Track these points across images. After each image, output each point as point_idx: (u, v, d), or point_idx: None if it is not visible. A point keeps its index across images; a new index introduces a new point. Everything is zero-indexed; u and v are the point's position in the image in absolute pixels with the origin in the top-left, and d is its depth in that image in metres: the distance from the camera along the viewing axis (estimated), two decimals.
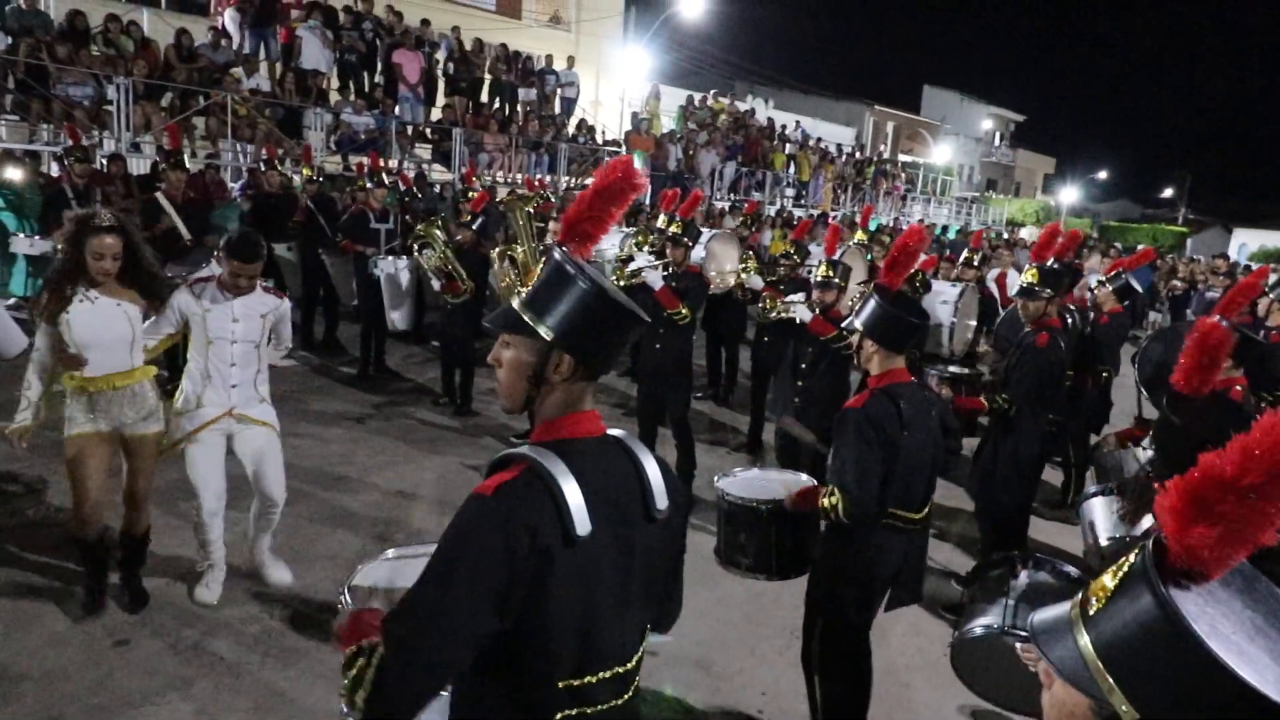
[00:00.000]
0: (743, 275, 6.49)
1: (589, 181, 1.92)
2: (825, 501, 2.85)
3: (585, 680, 1.47)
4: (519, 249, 4.80)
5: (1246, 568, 0.99)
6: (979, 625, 2.62)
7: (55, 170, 8.99)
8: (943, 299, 6.76)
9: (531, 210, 5.80)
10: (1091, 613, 0.97)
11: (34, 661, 3.36)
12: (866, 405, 2.83)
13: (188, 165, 8.15)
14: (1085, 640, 0.96)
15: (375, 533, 4.80)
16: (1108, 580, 0.98)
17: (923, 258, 7.86)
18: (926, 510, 3.03)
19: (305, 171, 8.79)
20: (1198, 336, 3.03)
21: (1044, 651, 1.01)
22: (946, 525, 5.59)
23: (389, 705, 1.35)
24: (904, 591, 3.06)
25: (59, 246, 3.77)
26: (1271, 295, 6.72)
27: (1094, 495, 3.65)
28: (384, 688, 1.35)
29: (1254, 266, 18.38)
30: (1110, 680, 0.92)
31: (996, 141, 41.80)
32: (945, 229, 23.20)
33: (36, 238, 7.34)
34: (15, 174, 8.08)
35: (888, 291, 2.95)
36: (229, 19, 12.93)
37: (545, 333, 1.45)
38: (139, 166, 10.13)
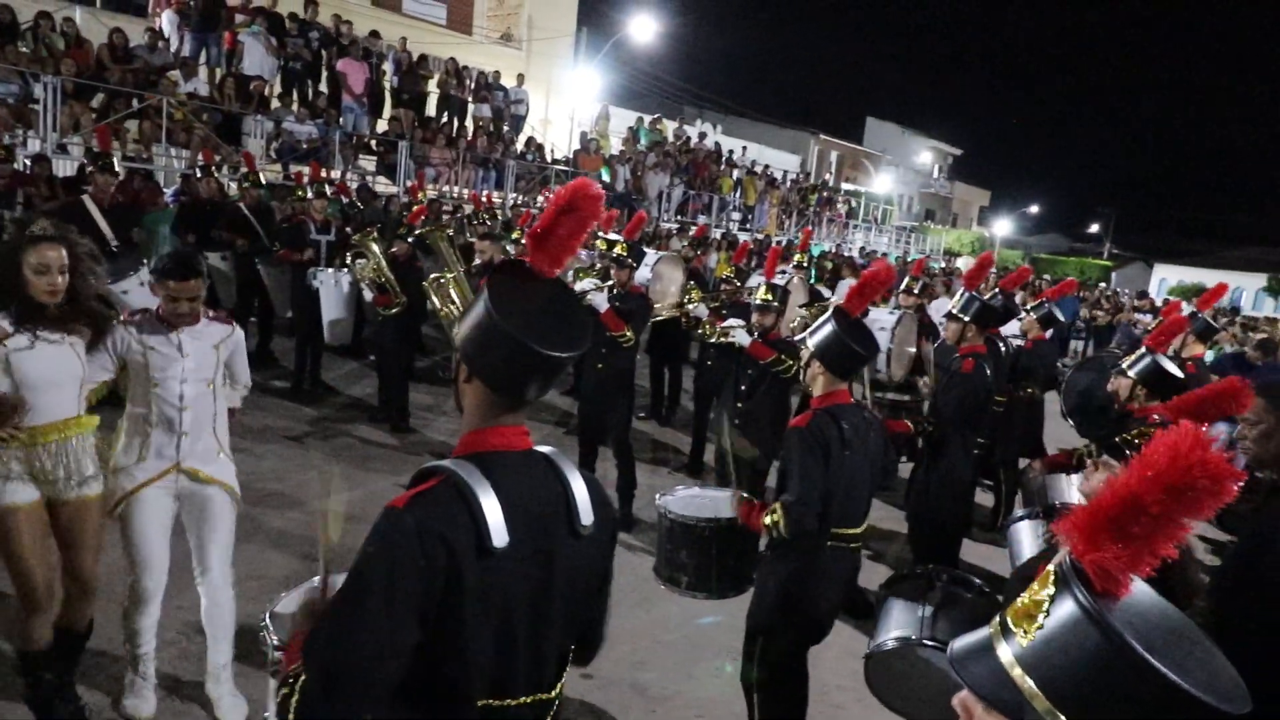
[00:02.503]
0: (688, 305, 6.49)
1: (541, 199, 1.91)
2: (767, 519, 2.86)
3: (505, 702, 1.44)
4: (448, 274, 4.73)
5: (1139, 582, 1.02)
6: (892, 638, 2.65)
7: None
8: (880, 325, 6.91)
9: (451, 234, 5.78)
10: (1014, 633, 0.99)
11: None
12: (810, 424, 2.87)
13: (118, 169, 7.85)
14: (1007, 654, 0.98)
15: (305, 553, 4.64)
16: (1026, 599, 1.00)
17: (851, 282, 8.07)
18: (863, 528, 3.09)
19: (250, 179, 8.54)
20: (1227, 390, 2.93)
21: (962, 675, 1.02)
22: (884, 547, 5.67)
23: None
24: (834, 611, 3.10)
25: None
26: (1188, 328, 7.05)
27: (1021, 519, 3.75)
28: (304, 712, 1.31)
29: (1171, 300, 19.24)
30: (1033, 686, 0.94)
31: (935, 173, 43.17)
32: (885, 257, 23.78)
33: None
34: None
35: (846, 317, 2.98)
36: (167, 21, 12.58)
37: (456, 342, 1.51)
38: (66, 169, 9.73)
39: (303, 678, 1.33)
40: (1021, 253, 39.06)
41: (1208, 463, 0.93)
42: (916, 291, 7.88)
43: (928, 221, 39.33)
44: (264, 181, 8.70)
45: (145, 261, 6.65)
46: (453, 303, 4.35)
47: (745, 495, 3.11)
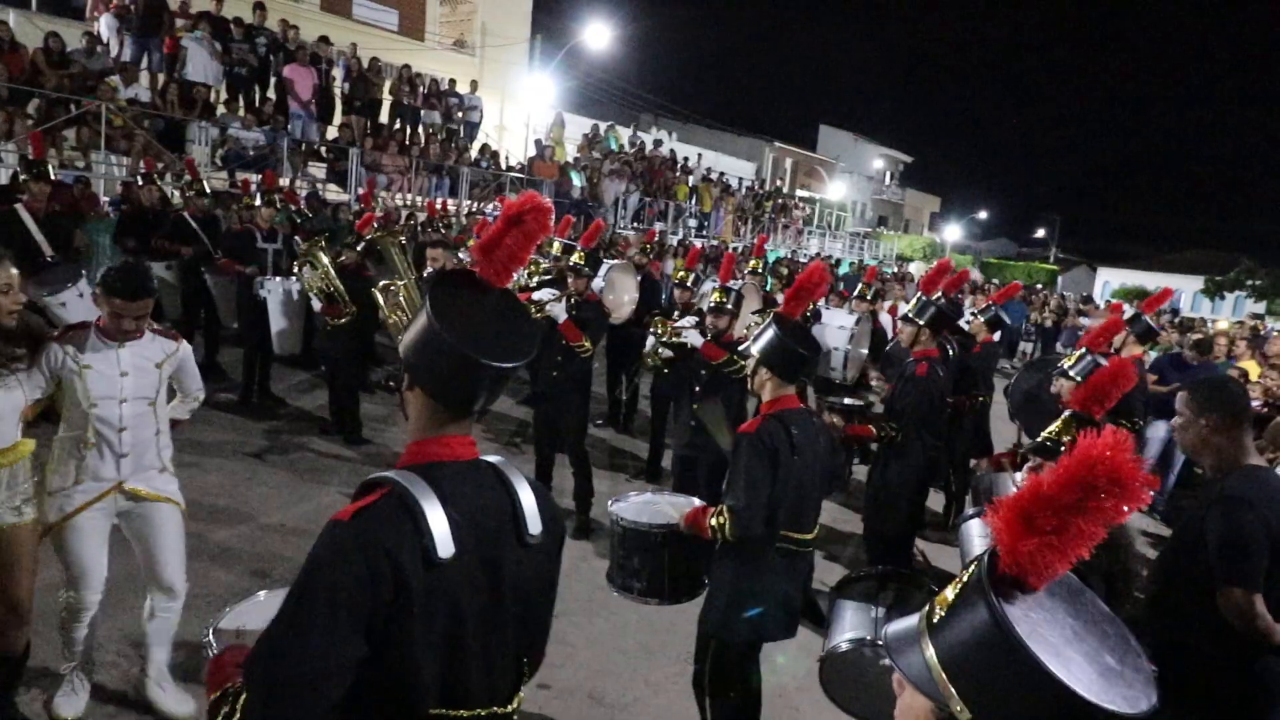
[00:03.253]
0: (684, 335, 6.20)
1: (491, 207, 1.90)
2: (713, 521, 2.90)
3: (458, 713, 1.43)
4: (399, 282, 4.66)
5: (1074, 581, 1.06)
6: (845, 639, 2.67)
7: None
8: (839, 325, 7.01)
9: (404, 241, 5.69)
10: (935, 622, 1.02)
11: None
12: (759, 430, 2.91)
13: (54, 176, 7.58)
14: (929, 649, 1.01)
15: (253, 568, 4.53)
16: (949, 592, 1.03)
17: None
18: (814, 532, 3.12)
19: (195, 186, 8.31)
20: (1110, 372, 3.10)
21: (895, 661, 1.06)
22: (839, 549, 5.73)
23: None
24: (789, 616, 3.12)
25: None
26: (1126, 329, 7.28)
27: (971, 517, 3.82)
28: None
29: (1113, 302, 19.85)
30: (948, 683, 0.97)
31: (887, 180, 44.00)
32: (839, 262, 24.16)
33: None
34: None
35: (786, 321, 3.04)
36: (106, 25, 12.21)
37: (401, 351, 1.50)
38: (0, 177, 9.39)
39: (243, 696, 1.29)
40: (972, 257, 39.99)
41: (1114, 463, 0.95)
42: (869, 297, 8.04)
43: (880, 227, 40.06)
44: (209, 189, 8.48)
45: (84, 272, 6.45)
46: (403, 311, 4.29)
47: (698, 503, 3.12)
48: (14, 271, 2.75)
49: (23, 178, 7.44)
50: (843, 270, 20.81)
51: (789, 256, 21.17)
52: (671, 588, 3.17)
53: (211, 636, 1.95)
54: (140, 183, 8.47)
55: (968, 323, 6.75)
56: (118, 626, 3.64)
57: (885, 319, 8.36)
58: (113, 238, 7.73)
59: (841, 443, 5.43)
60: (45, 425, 3.06)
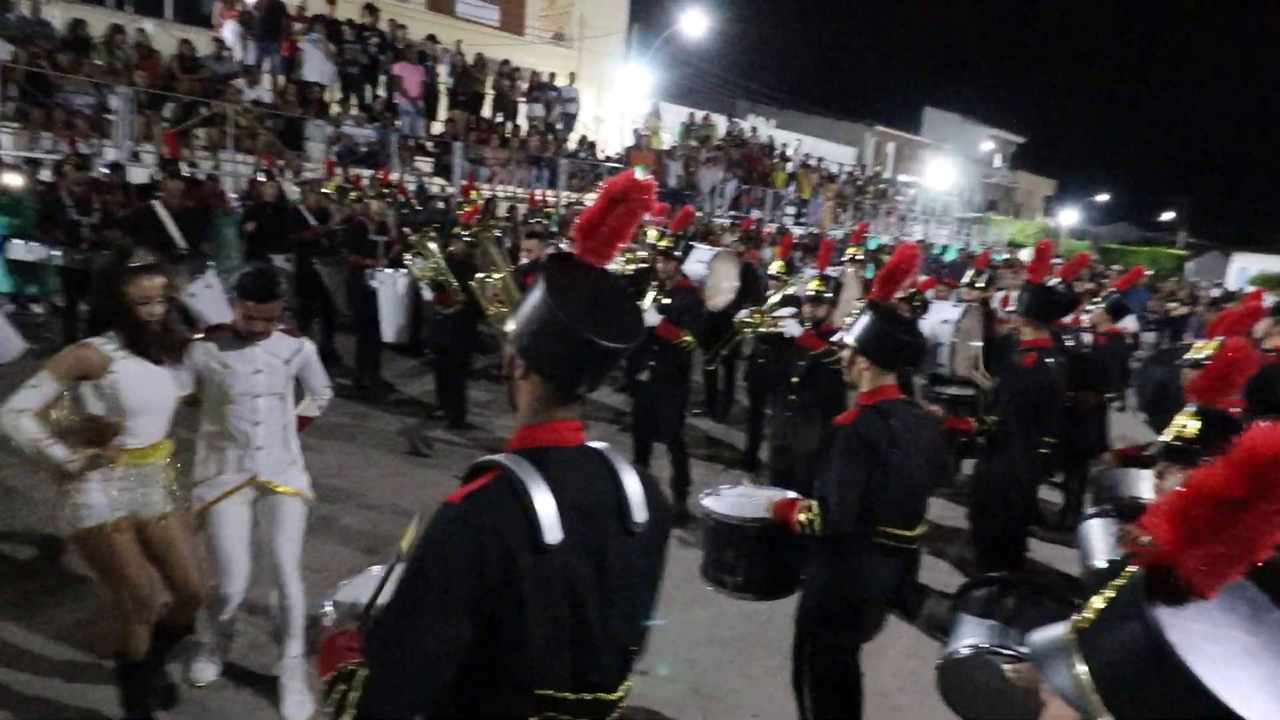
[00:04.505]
0: (780, 324, 5.96)
1: (589, 198, 1.90)
2: (802, 515, 2.81)
3: (564, 695, 1.44)
4: (496, 275, 4.76)
5: (1258, 596, 0.96)
6: (965, 645, 2.56)
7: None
8: (944, 318, 6.73)
9: (499, 234, 5.82)
10: (1084, 631, 0.96)
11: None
12: (856, 422, 2.81)
13: (186, 174, 8.14)
14: (1078, 660, 0.95)
15: (365, 546, 4.74)
16: (1099, 601, 0.96)
17: (921, 278, 7.86)
18: (919, 529, 2.99)
19: (331, 186, 8.77)
20: (1227, 355, 2.91)
21: (1041, 672, 1.00)
22: (944, 546, 5.53)
23: None
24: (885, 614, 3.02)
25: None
26: (1271, 317, 6.70)
27: (1092, 517, 3.61)
28: (369, 708, 1.32)
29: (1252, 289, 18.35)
30: (1099, 699, 0.91)
31: (997, 163, 42.00)
32: (945, 250, 23.24)
33: (34, 244, 7.33)
34: (14, 181, 8.08)
35: (880, 307, 2.93)
36: (230, 31, 12.98)
37: (510, 336, 1.48)
38: (140, 176, 10.14)
39: (359, 674, 1.34)
40: (1089, 243, 37.75)
41: None
42: (981, 284, 7.67)
43: (990, 213, 38.32)
44: (326, 186, 8.93)
45: (211, 264, 6.88)
46: (500, 302, 4.38)
47: (794, 497, 3.04)
48: (159, 282, 2.90)
49: (160, 176, 8.01)
50: (949, 257, 20.01)
51: (891, 244, 20.52)
52: (767, 584, 3.09)
53: (330, 608, 2.05)
54: (262, 179, 8.96)
55: (1087, 312, 6.36)
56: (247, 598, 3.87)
57: (998, 308, 7.97)
58: (238, 231, 8.21)
59: (943, 435, 5.23)
60: (181, 424, 3.22)
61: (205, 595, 3.22)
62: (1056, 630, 1.01)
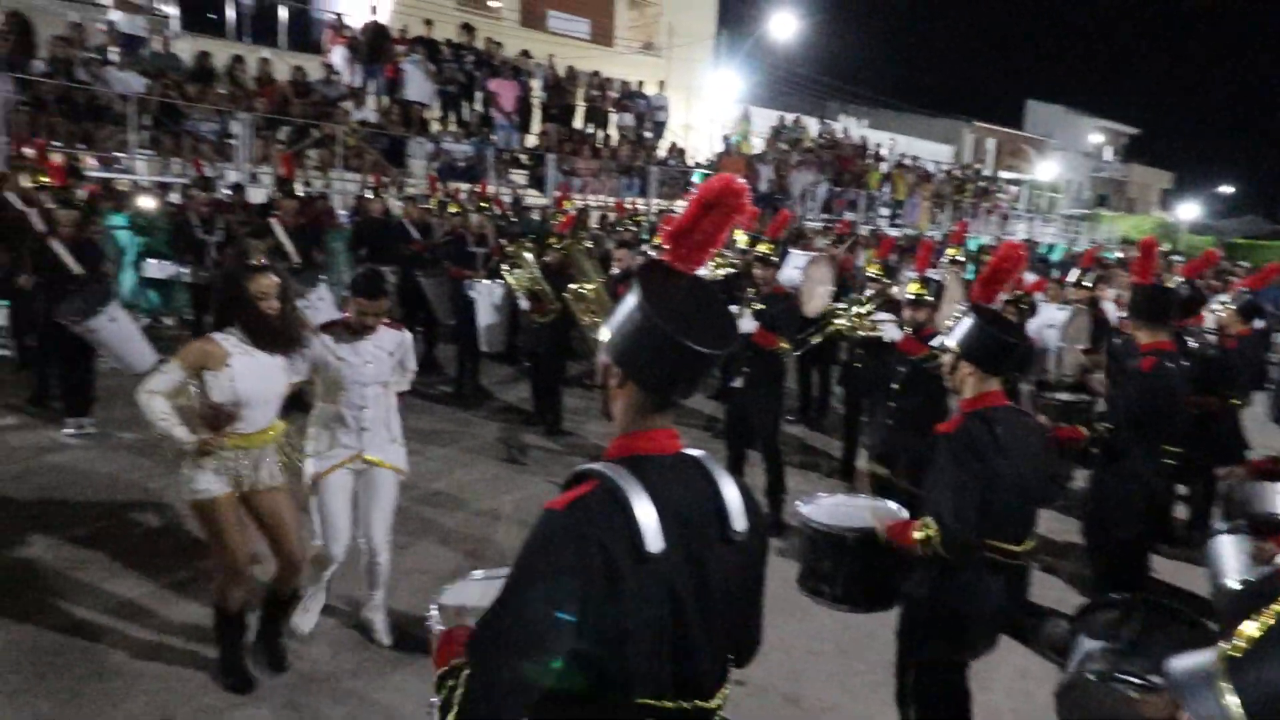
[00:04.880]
0: (878, 329, 5.88)
1: (679, 205, 1.90)
2: (919, 535, 2.69)
3: (663, 704, 1.44)
4: (587, 286, 4.84)
5: None
6: (1090, 670, 2.43)
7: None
8: (1049, 323, 6.43)
9: (589, 245, 5.90)
10: (1236, 660, 0.90)
11: (146, 664, 3.56)
12: (959, 430, 2.70)
13: (299, 193, 8.62)
14: (1229, 692, 0.89)
15: (466, 549, 4.88)
16: (1252, 629, 0.89)
17: (1031, 278, 7.51)
18: (1027, 544, 2.85)
19: (434, 201, 9.23)
20: None
21: (1184, 702, 0.95)
22: (1057, 561, 5.27)
23: None
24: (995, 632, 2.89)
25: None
26: None
27: (1223, 532, 3.38)
28: (471, 708, 1.36)
29: None
30: None
31: (1108, 156, 39.81)
32: (1051, 249, 22.15)
33: (165, 262, 7.92)
34: (148, 203, 8.75)
35: (984, 310, 2.83)
36: (339, 56, 13.67)
37: (605, 346, 1.49)
38: (258, 196, 10.79)
39: (464, 672, 1.38)
40: (1212, 238, 35.24)
41: None
42: (1090, 284, 7.27)
43: (1100, 208, 36.33)
44: (429, 201, 9.31)
45: (323, 278, 7.25)
46: (592, 312, 4.46)
47: (895, 508, 2.95)
48: (275, 279, 3.28)
49: (276, 195, 8.51)
50: (1055, 256, 19.06)
51: (994, 243, 19.72)
52: (866, 596, 3.00)
53: (435, 611, 2.12)
54: (369, 195, 9.39)
55: (1213, 311, 5.94)
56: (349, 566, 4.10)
57: (1110, 308, 7.55)
58: (348, 246, 8.62)
59: (1052, 445, 4.97)
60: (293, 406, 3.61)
61: (307, 562, 3.60)
62: (1201, 657, 0.95)
